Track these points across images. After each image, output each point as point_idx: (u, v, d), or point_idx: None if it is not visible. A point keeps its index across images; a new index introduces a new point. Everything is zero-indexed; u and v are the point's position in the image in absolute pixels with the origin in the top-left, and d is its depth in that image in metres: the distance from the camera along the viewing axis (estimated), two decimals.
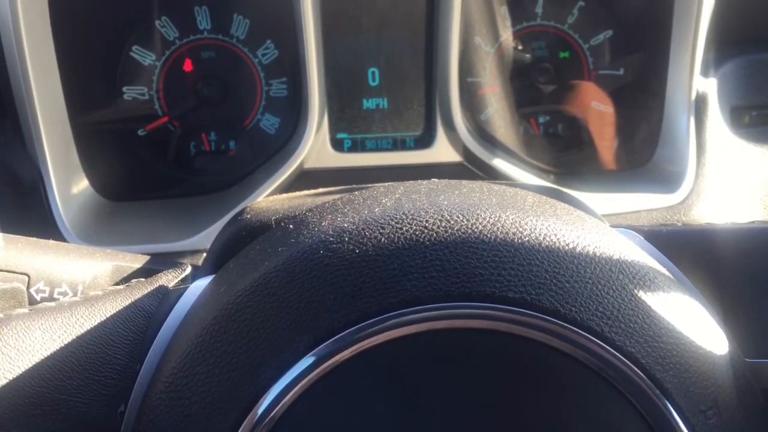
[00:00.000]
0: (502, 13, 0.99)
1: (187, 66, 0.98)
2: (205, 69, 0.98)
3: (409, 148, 0.97)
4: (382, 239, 0.42)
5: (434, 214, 0.43)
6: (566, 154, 1.00)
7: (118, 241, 0.84)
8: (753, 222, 0.55)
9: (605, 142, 1.00)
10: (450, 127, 0.92)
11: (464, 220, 0.43)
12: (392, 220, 0.43)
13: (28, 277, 0.57)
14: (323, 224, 0.46)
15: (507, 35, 1.00)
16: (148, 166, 0.97)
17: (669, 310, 0.43)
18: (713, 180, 0.89)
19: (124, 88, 0.96)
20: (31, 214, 0.82)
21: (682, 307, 0.44)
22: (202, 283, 0.54)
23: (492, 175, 0.92)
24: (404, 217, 0.43)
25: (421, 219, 0.43)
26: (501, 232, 0.42)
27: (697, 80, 0.90)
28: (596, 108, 1.01)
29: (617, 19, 0.99)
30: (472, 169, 0.94)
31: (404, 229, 0.42)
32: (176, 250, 0.84)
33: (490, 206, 0.44)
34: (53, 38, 0.82)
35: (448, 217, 0.43)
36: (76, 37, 0.85)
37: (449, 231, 0.42)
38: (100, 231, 0.84)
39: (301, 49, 0.87)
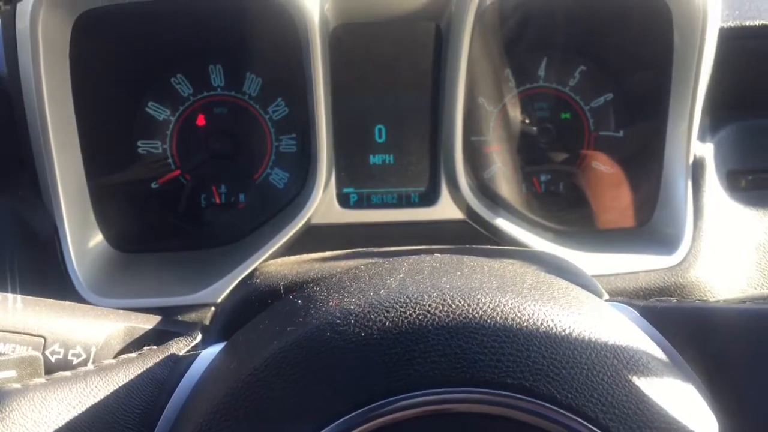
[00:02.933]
0: (506, 75, 1.02)
1: (200, 121, 1.01)
2: (217, 124, 1.01)
3: (414, 204, 0.99)
4: (387, 323, 0.44)
5: (437, 298, 0.45)
6: (567, 213, 1.02)
7: (130, 294, 0.85)
8: (744, 302, 0.56)
9: (605, 202, 1.02)
10: (454, 185, 0.94)
11: (465, 304, 0.45)
12: (396, 303, 0.45)
13: (44, 339, 0.59)
14: (330, 304, 0.48)
15: (510, 96, 1.03)
16: (160, 218, 0.99)
17: (662, 395, 0.45)
18: (710, 242, 0.91)
19: (139, 142, 0.99)
20: (46, 267, 0.84)
21: (675, 391, 0.46)
22: (211, 351, 0.56)
23: (494, 233, 0.94)
24: (408, 300, 0.45)
25: (424, 303, 0.45)
26: (500, 318, 0.44)
27: (694, 145, 0.92)
28: (596, 168, 1.04)
29: (617, 84, 1.02)
30: (474, 226, 0.96)
31: (408, 313, 0.45)
32: (186, 303, 0.86)
33: (490, 290, 0.46)
34: (73, 96, 0.85)
35: (450, 302, 0.45)
36: (95, 95, 0.89)
37: (451, 316, 0.44)
38: (112, 284, 0.86)
39: (310, 107, 0.90)
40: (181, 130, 1.01)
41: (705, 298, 0.88)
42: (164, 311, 0.85)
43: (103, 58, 0.90)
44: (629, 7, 0.94)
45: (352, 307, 0.46)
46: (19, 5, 0.79)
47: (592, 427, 0.42)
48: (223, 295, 0.85)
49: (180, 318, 0.86)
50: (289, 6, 0.82)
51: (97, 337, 0.61)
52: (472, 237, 0.95)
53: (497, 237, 0.94)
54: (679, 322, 0.54)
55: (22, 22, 0.78)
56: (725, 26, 0.92)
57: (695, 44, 0.85)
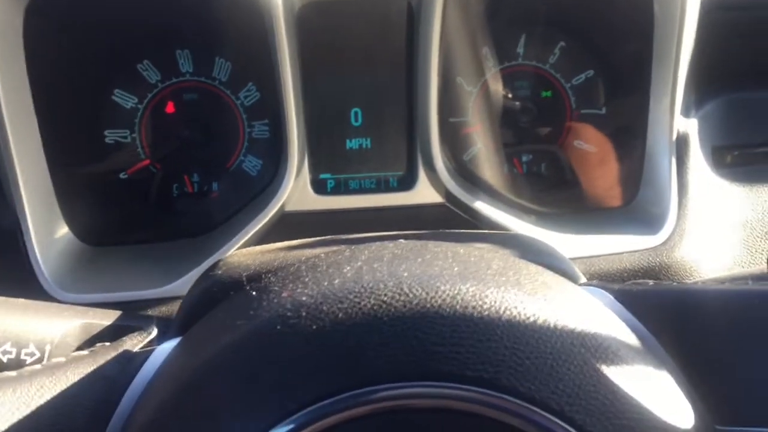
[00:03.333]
0: (484, 54, 0.99)
1: (170, 108, 0.98)
2: (187, 111, 0.98)
3: (393, 188, 0.96)
4: (340, 314, 0.42)
5: (393, 287, 0.43)
6: (549, 194, 1.00)
7: (99, 288, 0.83)
8: (723, 282, 0.54)
9: (588, 181, 1.00)
10: (431, 168, 0.91)
11: (423, 293, 0.42)
12: (350, 293, 0.43)
13: None
14: (283, 295, 0.45)
15: (489, 75, 1.00)
16: (130, 209, 0.97)
17: (632, 384, 0.42)
18: (695, 221, 0.89)
19: (106, 132, 0.96)
20: (9, 263, 0.81)
21: (647, 380, 0.43)
22: (167, 347, 0.53)
23: (474, 216, 0.92)
24: (362, 290, 0.43)
25: (380, 293, 0.42)
26: (460, 306, 0.42)
27: (678, 121, 0.89)
28: (579, 147, 1.01)
29: (598, 59, 0.99)
30: (454, 210, 0.93)
31: (362, 303, 0.42)
32: (156, 296, 0.84)
33: (451, 277, 0.44)
34: (30, 84, 0.82)
35: (407, 291, 0.42)
36: (55, 83, 0.85)
37: (407, 306, 0.42)
38: (79, 278, 0.84)
39: (279, 91, 0.87)
40: (150, 118, 0.98)
41: (690, 278, 0.85)
42: (134, 305, 0.83)
43: (62, 43, 0.87)
44: None
45: (304, 298, 0.43)
46: None
47: (557, 420, 0.39)
48: None
49: (150, 312, 0.83)
50: None
51: (52, 334, 0.59)
52: (452, 221, 0.93)
53: (477, 220, 0.92)
54: (656, 306, 0.52)
55: None
56: None
57: (676, 14, 0.82)
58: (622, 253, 0.88)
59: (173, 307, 0.84)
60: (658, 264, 0.87)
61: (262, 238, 0.89)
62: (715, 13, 0.88)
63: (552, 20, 0.99)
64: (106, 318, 0.62)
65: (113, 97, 0.96)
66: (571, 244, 0.88)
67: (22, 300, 0.60)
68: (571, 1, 0.96)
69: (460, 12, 0.91)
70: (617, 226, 0.91)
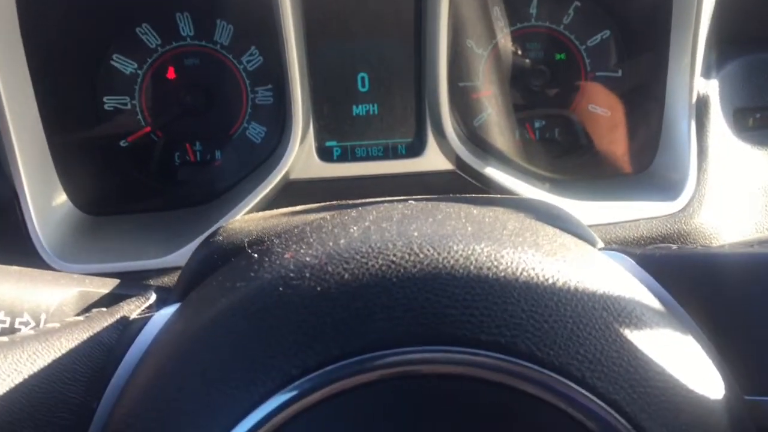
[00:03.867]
0: (495, 15, 0.95)
1: (170, 74, 0.95)
2: (188, 76, 0.95)
3: (401, 155, 0.94)
4: (346, 275, 0.39)
5: (402, 246, 0.40)
6: (563, 160, 0.97)
7: (99, 258, 0.81)
8: (752, 245, 0.51)
9: (603, 147, 0.96)
10: (440, 134, 0.88)
11: (435, 253, 0.40)
12: (357, 253, 0.40)
13: None
14: (286, 256, 0.43)
15: (500, 37, 0.96)
16: (131, 178, 0.94)
17: (657, 350, 0.39)
18: (715, 186, 0.85)
19: (105, 98, 0.93)
20: (7, 233, 0.79)
21: (673, 346, 0.41)
22: (166, 313, 0.51)
23: (485, 183, 0.89)
24: (370, 250, 0.40)
25: (389, 252, 0.40)
26: (474, 267, 0.39)
27: (698, 82, 0.86)
28: (594, 111, 0.97)
29: (614, 18, 0.95)
30: (465, 177, 0.90)
31: (370, 264, 0.39)
32: (157, 267, 0.81)
33: (464, 237, 0.41)
34: (24, 49, 0.79)
35: (418, 251, 0.40)
36: (50, 47, 0.82)
37: (418, 266, 0.39)
38: (79, 248, 0.82)
39: (283, 55, 0.84)
40: (151, 84, 0.95)
41: (709, 245, 0.82)
42: (135, 276, 0.81)
43: (57, 6, 0.83)
44: None
45: (307, 258, 0.41)
46: None
47: (577, 387, 0.37)
48: None
49: (152, 282, 0.81)
50: None
51: (47, 303, 0.56)
52: (462, 189, 0.90)
53: (489, 187, 0.89)
54: (680, 271, 0.49)
55: None
56: None
57: None
58: (639, 220, 0.85)
59: (174, 278, 0.81)
60: (676, 231, 0.84)
61: (266, 206, 0.86)
62: None
63: None
64: (104, 286, 0.60)
65: (112, 62, 0.93)
66: (586, 211, 0.85)
67: (16, 267, 0.58)
68: None
69: None
70: (634, 193, 0.88)
